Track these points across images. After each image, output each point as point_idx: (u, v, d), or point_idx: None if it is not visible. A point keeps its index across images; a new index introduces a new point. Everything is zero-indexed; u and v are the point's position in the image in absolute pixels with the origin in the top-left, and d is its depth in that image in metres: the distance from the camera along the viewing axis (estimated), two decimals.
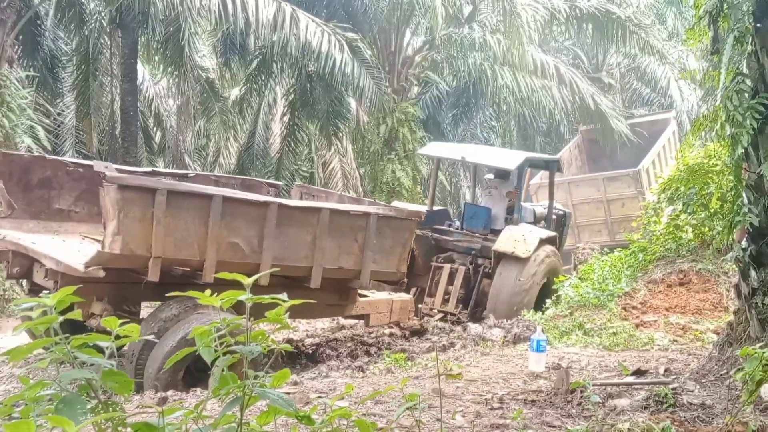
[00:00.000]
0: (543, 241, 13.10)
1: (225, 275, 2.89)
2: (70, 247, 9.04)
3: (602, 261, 12.61)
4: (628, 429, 4.12)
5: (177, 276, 8.48)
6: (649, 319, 9.89)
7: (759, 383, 3.85)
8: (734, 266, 7.14)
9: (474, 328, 10.51)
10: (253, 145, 27.47)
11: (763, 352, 3.77)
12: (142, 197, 7.78)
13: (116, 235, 7.68)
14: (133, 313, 8.67)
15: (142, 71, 27.08)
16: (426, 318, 12.53)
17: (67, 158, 10.98)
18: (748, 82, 6.09)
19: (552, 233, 13.84)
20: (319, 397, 6.11)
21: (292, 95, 26.23)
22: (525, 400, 6.12)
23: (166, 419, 2.45)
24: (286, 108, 26.91)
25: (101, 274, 7.84)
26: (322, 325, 13.08)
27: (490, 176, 15.30)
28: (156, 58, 27.20)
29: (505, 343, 9.71)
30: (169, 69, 24.18)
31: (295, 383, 7.50)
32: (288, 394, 6.24)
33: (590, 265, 12.67)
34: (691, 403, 5.42)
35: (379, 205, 11.34)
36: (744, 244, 6.27)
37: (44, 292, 5.93)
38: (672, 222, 12.08)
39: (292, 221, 9.06)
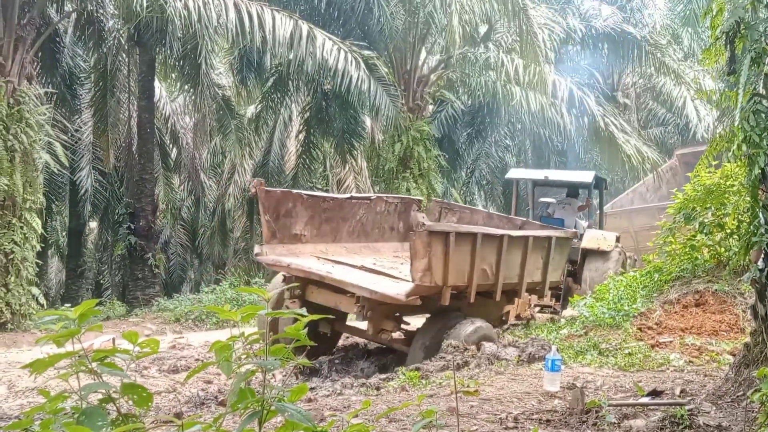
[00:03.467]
0: (617, 239, 16.40)
1: None
2: (367, 277, 10.68)
3: (617, 281, 12.56)
4: None
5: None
6: (665, 339, 9.84)
7: None
8: (751, 287, 7.11)
9: (489, 347, 10.45)
10: (268, 163, 27.63)
11: None
12: (441, 239, 9.79)
13: (426, 271, 9.61)
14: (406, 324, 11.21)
15: (159, 88, 27.32)
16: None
17: (302, 191, 13.01)
18: (765, 102, 6.09)
19: (618, 234, 17.01)
20: (334, 414, 6.11)
21: (308, 113, 26.38)
22: (540, 419, 6.10)
23: None
24: (301, 126, 27.06)
25: (418, 302, 9.92)
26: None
27: (561, 195, 18.57)
28: (173, 75, 27.46)
29: (519, 363, 9.66)
30: (186, 86, 24.39)
31: (310, 400, 7.49)
32: None
33: (605, 285, 12.63)
34: (707, 425, 5.39)
35: (544, 227, 14.13)
36: (761, 264, 6.25)
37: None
38: (688, 242, 12.03)
39: (512, 247, 11.27)
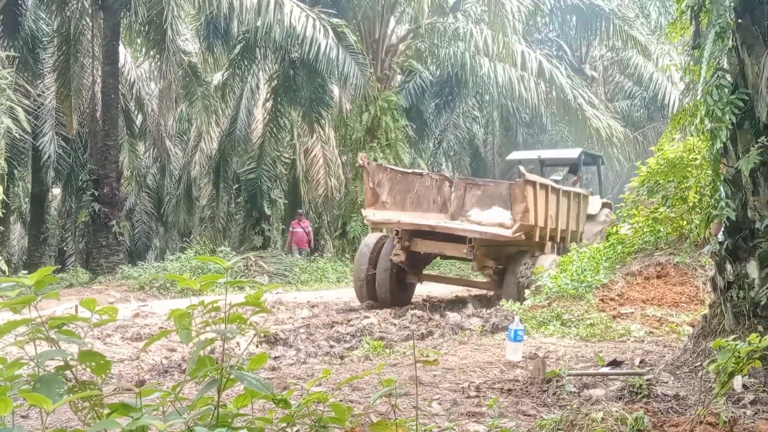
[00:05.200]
0: (603, 205, 17.77)
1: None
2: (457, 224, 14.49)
3: (581, 252, 12.68)
4: (602, 418, 4.15)
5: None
6: (626, 310, 9.96)
7: (731, 375, 3.89)
8: (711, 260, 7.21)
9: (452, 317, 10.54)
10: (235, 131, 27.41)
11: (736, 345, 3.81)
12: (532, 188, 12.99)
13: (525, 212, 12.79)
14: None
15: (124, 54, 26.91)
16: None
17: (387, 165, 16.54)
18: (728, 77, 6.13)
19: (608, 200, 18.61)
20: (297, 382, 6.12)
21: (275, 81, 26.17)
22: (501, 389, 6.15)
23: (143, 400, 2.46)
24: (268, 94, 26.86)
25: (523, 237, 13.23)
26: (301, 313, 13.12)
27: (564, 171, 20.38)
28: (138, 40, 27.09)
29: (483, 333, 9.75)
30: (152, 52, 24.08)
31: (273, 369, 7.51)
32: (267, 379, 6.27)
33: (569, 256, 12.75)
34: (665, 394, 5.48)
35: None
36: (720, 237, 6.33)
37: None
38: (651, 215, 12.15)
39: (563, 199, 14.62)
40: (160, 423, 2.25)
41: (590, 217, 16.91)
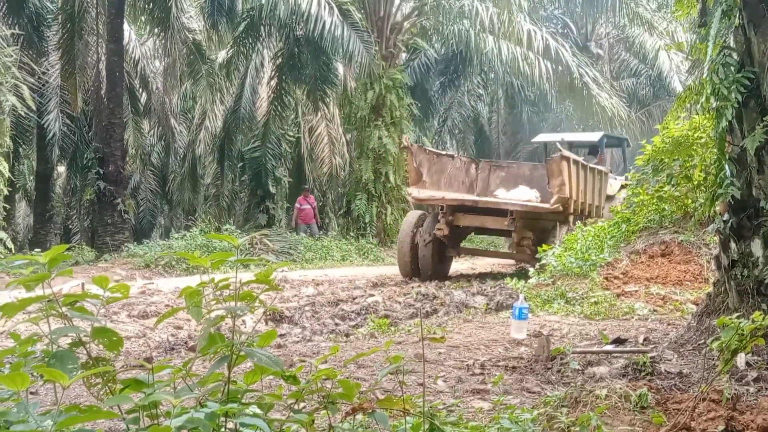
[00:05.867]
0: (622, 186, 17.44)
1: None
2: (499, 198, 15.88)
3: (586, 231, 12.70)
4: (606, 395, 4.20)
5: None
6: (631, 289, 9.99)
7: (734, 352, 3.93)
8: (715, 238, 7.22)
9: (457, 295, 10.59)
10: (239, 109, 27.34)
11: (740, 322, 3.84)
12: (566, 163, 14.02)
13: (563, 185, 13.88)
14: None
15: (129, 31, 26.82)
16: None
17: (426, 147, 18.84)
18: (735, 55, 6.13)
19: (627, 182, 19.19)
20: (303, 360, 6.18)
21: (280, 59, 26.10)
22: (506, 366, 6.21)
23: (155, 376, 2.50)
24: (273, 72, 26.77)
25: (561, 209, 14.16)
26: (306, 291, 13.17)
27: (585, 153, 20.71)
28: (142, 18, 26.97)
29: (487, 311, 9.80)
30: (156, 30, 24.02)
31: (279, 346, 7.57)
32: None
33: (574, 234, 12.77)
34: (668, 372, 5.52)
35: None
36: (725, 216, 6.34)
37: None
38: (656, 193, 12.15)
39: (592, 178, 15.68)
40: (172, 398, 2.29)
41: (609, 198, 17.17)
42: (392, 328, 8.72)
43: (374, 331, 8.61)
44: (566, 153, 14.47)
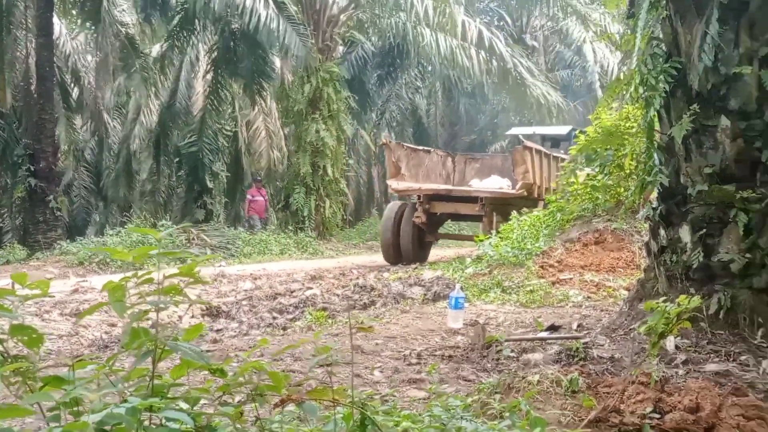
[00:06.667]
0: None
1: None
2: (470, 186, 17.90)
3: (522, 221, 12.83)
4: (538, 381, 4.24)
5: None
6: (565, 276, 10.13)
7: (661, 336, 4.00)
8: (646, 225, 7.36)
9: (395, 286, 10.61)
10: (174, 104, 26.99)
11: (666, 306, 3.91)
12: (529, 153, 15.69)
13: (527, 173, 15.41)
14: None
15: (59, 25, 26.25)
16: None
17: (404, 143, 19.93)
18: (662, 46, 6.23)
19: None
20: (238, 354, 6.12)
21: (215, 53, 25.82)
22: (442, 355, 6.24)
23: (79, 373, 2.44)
24: (209, 66, 26.50)
25: (524, 194, 15.73)
26: (244, 285, 13.07)
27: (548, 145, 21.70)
28: (73, 11, 26.44)
29: (425, 301, 9.83)
30: (87, 23, 23.53)
31: (215, 341, 7.49)
32: (207, 351, 6.24)
33: (510, 224, 12.89)
34: (600, 357, 5.60)
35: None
36: (654, 203, 6.46)
37: None
38: (589, 182, 12.34)
39: (555, 165, 16.66)
40: (92, 394, 2.23)
41: None
42: (330, 321, 8.69)
43: (312, 324, 8.58)
44: (529, 143, 16.19)
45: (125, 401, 2.38)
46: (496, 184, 17.57)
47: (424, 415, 3.56)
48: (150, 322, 2.62)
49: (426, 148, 20.69)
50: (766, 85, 5.94)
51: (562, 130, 22.41)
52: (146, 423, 2.39)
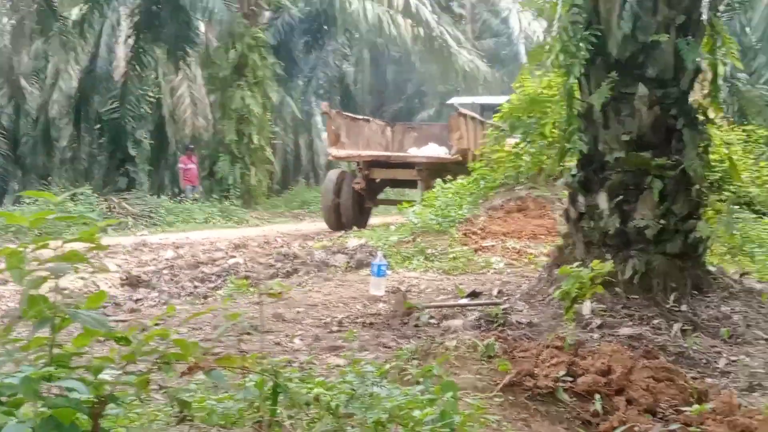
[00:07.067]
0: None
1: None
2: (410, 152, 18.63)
3: (446, 188, 12.88)
4: (455, 346, 4.25)
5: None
6: (488, 244, 10.21)
7: (575, 300, 4.06)
8: (566, 192, 7.45)
9: (318, 254, 10.57)
10: (95, 69, 26.23)
11: (579, 271, 3.96)
12: (464, 119, 16.49)
13: (461, 139, 16.13)
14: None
15: None
16: None
17: (343, 112, 19.82)
18: (583, 14, 6.27)
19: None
20: (157, 324, 6.00)
21: (137, 16, 25.14)
22: (363, 323, 6.23)
23: None
24: (131, 30, 25.81)
25: (459, 158, 16.01)
26: (165, 254, 12.86)
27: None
28: None
29: (347, 269, 9.80)
30: None
31: (133, 310, 7.36)
32: (124, 321, 6.11)
33: (433, 192, 12.93)
34: (519, 322, 5.67)
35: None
36: (573, 170, 6.54)
37: None
38: (513, 150, 12.43)
39: (482, 129, 16.36)
40: None
41: None
42: (252, 289, 8.61)
43: (233, 293, 8.49)
44: (463, 110, 16.88)
45: (20, 371, 2.30)
46: (433, 151, 18.05)
47: (339, 382, 3.54)
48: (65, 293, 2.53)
49: (365, 117, 21.29)
50: (682, 53, 6.04)
51: (502, 99, 22.42)
52: (45, 394, 2.31)
